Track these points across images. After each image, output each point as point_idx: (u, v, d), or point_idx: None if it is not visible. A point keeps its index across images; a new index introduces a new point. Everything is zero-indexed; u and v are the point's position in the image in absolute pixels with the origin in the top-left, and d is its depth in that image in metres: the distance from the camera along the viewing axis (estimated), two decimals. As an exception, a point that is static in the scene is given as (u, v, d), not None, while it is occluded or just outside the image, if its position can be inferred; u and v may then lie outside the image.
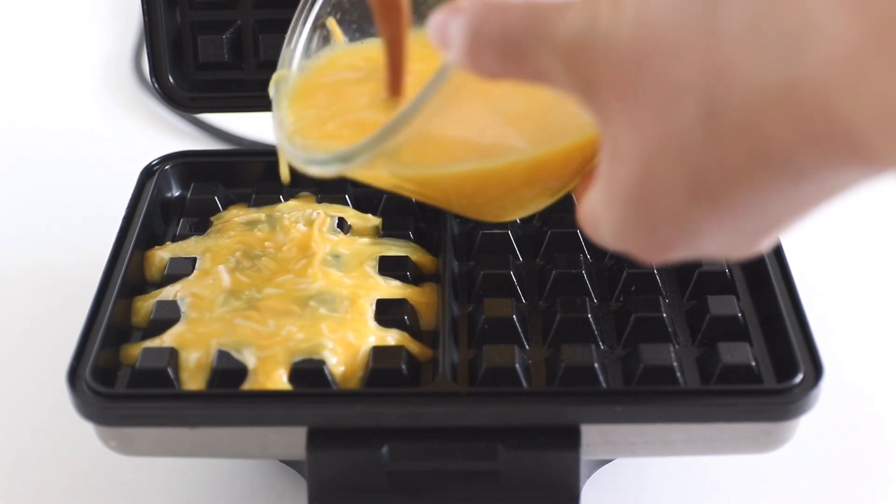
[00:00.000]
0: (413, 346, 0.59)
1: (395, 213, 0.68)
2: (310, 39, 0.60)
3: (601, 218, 0.42)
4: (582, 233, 0.45)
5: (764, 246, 0.41)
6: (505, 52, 0.40)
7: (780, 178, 0.36)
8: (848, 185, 0.36)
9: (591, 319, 0.59)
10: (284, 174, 0.59)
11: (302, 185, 0.71)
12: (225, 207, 0.69)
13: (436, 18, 0.42)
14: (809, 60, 0.32)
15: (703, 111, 0.35)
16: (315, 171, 0.51)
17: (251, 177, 0.71)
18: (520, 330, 0.59)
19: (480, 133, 0.49)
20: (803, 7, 0.32)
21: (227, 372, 0.56)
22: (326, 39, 0.61)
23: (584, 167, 0.51)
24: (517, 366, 0.56)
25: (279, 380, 0.56)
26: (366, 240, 0.66)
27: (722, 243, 0.40)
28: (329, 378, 0.56)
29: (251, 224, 0.66)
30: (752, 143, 0.35)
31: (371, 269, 0.63)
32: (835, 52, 0.31)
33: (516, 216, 0.59)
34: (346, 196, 0.69)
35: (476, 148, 0.50)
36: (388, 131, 0.45)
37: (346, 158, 0.48)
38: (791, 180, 0.36)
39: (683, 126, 0.36)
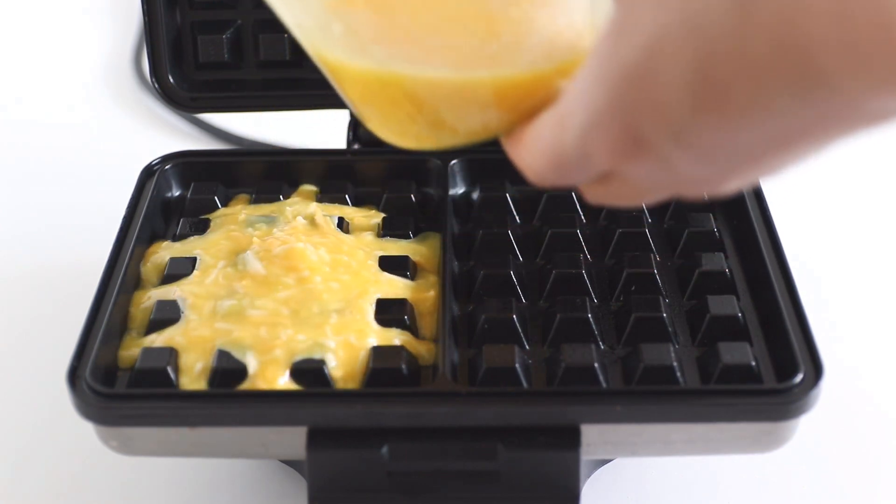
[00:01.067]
0: (413, 346, 0.59)
1: (396, 212, 0.68)
2: None
3: (574, 109, 0.37)
4: (513, 160, 0.43)
5: (748, 181, 0.36)
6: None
7: (806, 92, 0.31)
8: (880, 119, 0.32)
9: (591, 319, 0.59)
10: None
11: (303, 178, 0.71)
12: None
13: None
14: None
15: None
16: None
17: (251, 177, 0.71)
18: (520, 330, 0.59)
19: (451, 23, 0.44)
20: None
21: (227, 372, 0.56)
22: None
23: (531, 110, 0.45)
24: (517, 366, 0.56)
25: (279, 380, 0.56)
26: (367, 236, 0.66)
27: (705, 166, 0.35)
28: (329, 378, 0.56)
29: (251, 223, 0.66)
30: (787, 41, 0.30)
31: (371, 268, 0.63)
32: None
33: (435, 145, 0.51)
34: (346, 196, 0.69)
35: (443, 45, 0.44)
36: None
37: None
38: (819, 97, 0.31)
39: (711, 2, 0.32)
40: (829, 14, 0.29)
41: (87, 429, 0.56)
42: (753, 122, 0.33)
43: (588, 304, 0.60)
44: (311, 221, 0.65)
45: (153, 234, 0.67)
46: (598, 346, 0.59)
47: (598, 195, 0.43)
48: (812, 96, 0.31)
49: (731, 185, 0.37)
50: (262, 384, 0.56)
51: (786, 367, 0.56)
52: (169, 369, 0.56)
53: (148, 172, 0.70)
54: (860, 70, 0.29)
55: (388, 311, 0.60)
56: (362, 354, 0.57)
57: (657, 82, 0.34)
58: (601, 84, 0.36)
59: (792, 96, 0.31)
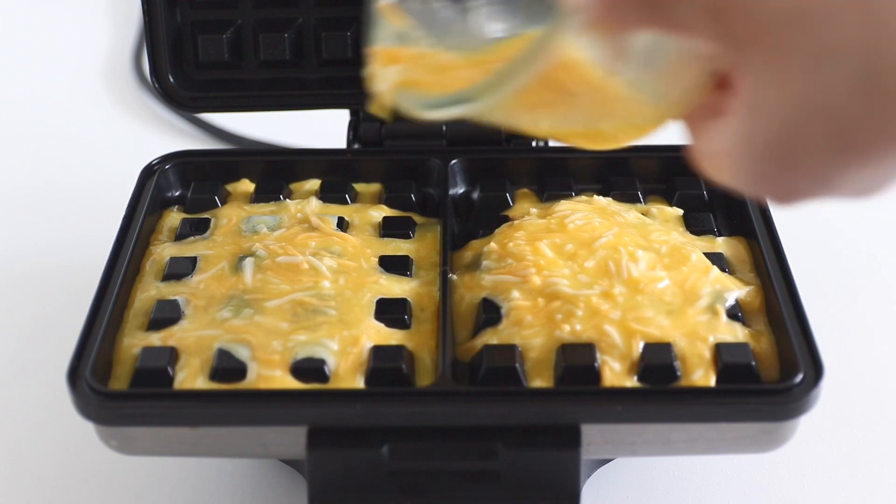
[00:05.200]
0: (413, 346, 0.59)
1: (396, 212, 0.68)
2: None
3: (734, 164, 0.42)
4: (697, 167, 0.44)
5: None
6: (648, 3, 0.40)
7: None
8: None
9: (591, 319, 0.59)
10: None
11: (303, 178, 0.71)
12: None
13: None
14: None
15: (861, 71, 0.36)
16: (433, 114, 0.49)
17: (251, 176, 0.71)
18: (520, 330, 0.59)
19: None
20: None
21: (228, 371, 0.56)
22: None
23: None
24: (517, 365, 0.56)
25: (279, 379, 0.56)
26: (367, 236, 0.66)
27: (858, 188, 0.41)
28: (329, 377, 0.56)
29: (252, 223, 0.66)
30: None
31: (371, 268, 0.63)
32: None
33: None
34: (346, 196, 0.69)
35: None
36: (513, 72, 0.44)
37: (466, 100, 0.47)
38: None
39: (836, 85, 0.37)
40: None
41: (88, 429, 0.56)
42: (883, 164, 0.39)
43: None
44: (310, 223, 0.65)
45: (153, 235, 0.68)
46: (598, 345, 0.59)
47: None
48: None
49: (890, 186, 0.42)
50: (263, 384, 0.56)
51: (786, 368, 0.56)
52: (169, 369, 0.56)
53: (148, 172, 0.70)
54: None
55: (389, 311, 0.60)
56: (362, 354, 0.57)
57: (803, 154, 0.39)
58: (751, 156, 0.41)
59: None
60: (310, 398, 0.55)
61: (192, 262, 0.64)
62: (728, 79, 0.42)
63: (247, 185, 0.71)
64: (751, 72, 0.40)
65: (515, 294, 0.59)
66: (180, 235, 0.67)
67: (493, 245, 0.63)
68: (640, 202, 0.68)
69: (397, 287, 0.62)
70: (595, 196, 0.67)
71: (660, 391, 0.55)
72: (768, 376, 0.56)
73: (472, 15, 0.55)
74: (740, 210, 0.66)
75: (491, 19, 0.55)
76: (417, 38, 0.55)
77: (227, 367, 0.56)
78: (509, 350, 0.57)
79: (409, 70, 0.53)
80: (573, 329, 0.57)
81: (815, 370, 0.54)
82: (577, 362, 0.56)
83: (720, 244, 0.65)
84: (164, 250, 0.65)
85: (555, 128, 0.52)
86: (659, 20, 0.40)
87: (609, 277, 0.60)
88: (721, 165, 0.43)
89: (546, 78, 0.44)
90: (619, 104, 0.46)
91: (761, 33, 0.38)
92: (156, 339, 0.59)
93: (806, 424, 0.55)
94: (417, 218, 0.68)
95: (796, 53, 0.37)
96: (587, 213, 0.65)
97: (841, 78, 0.37)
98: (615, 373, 0.55)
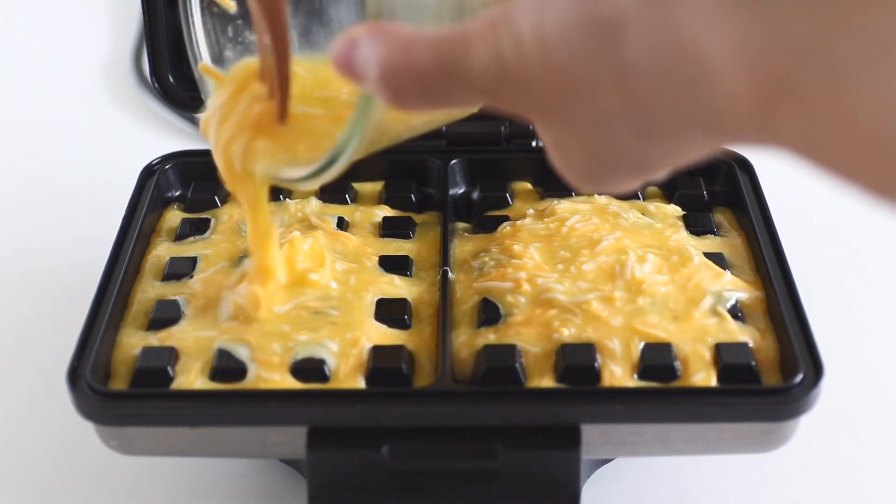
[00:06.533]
0: (413, 346, 0.59)
1: (396, 212, 0.68)
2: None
3: (567, 174, 0.45)
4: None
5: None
6: (425, 94, 0.42)
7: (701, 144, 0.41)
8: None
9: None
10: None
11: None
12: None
13: (338, 50, 0.43)
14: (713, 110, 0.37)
15: (632, 129, 0.39)
16: (308, 184, 0.53)
17: (251, 177, 0.71)
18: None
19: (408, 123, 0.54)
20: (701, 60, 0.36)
21: (228, 371, 0.56)
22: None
23: None
24: (517, 365, 0.56)
25: (279, 379, 0.56)
26: (367, 236, 0.66)
27: (671, 170, 0.43)
28: (329, 377, 0.56)
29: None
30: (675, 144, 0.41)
31: (371, 267, 0.63)
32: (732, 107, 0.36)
33: None
34: (346, 195, 0.69)
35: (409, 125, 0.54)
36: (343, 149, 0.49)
37: (323, 169, 0.51)
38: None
39: (619, 137, 0.40)
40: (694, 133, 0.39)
41: (88, 429, 0.56)
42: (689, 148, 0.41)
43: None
44: (310, 223, 0.65)
45: (153, 235, 0.67)
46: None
47: None
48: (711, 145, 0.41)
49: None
50: (262, 384, 0.56)
51: (786, 368, 0.56)
52: (169, 369, 0.56)
53: (148, 172, 0.70)
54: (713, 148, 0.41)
55: (389, 311, 0.60)
56: (362, 354, 0.57)
57: (613, 162, 0.42)
58: (573, 173, 0.44)
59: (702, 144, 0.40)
60: (310, 398, 0.55)
61: (193, 262, 0.64)
62: None
63: (247, 185, 0.71)
64: (544, 129, 0.43)
65: (510, 299, 0.59)
66: (180, 235, 0.67)
67: (491, 247, 0.63)
68: (639, 199, 0.68)
69: (397, 287, 0.62)
70: (595, 195, 0.68)
71: (660, 391, 0.55)
72: (768, 376, 0.56)
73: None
74: (739, 207, 0.67)
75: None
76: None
77: (227, 366, 0.56)
78: (509, 350, 0.57)
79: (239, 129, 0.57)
80: (572, 333, 0.57)
81: (815, 370, 0.54)
82: (577, 362, 0.56)
83: (720, 244, 0.65)
84: (164, 250, 0.65)
85: (432, 126, 0.57)
86: (441, 103, 0.43)
87: (609, 281, 0.60)
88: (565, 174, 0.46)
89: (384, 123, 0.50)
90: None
91: (538, 107, 0.41)
92: (156, 339, 0.59)
93: (806, 424, 0.55)
94: (417, 218, 0.68)
95: (576, 118, 0.40)
96: (587, 214, 0.65)
97: (620, 133, 0.40)
98: (615, 373, 0.55)
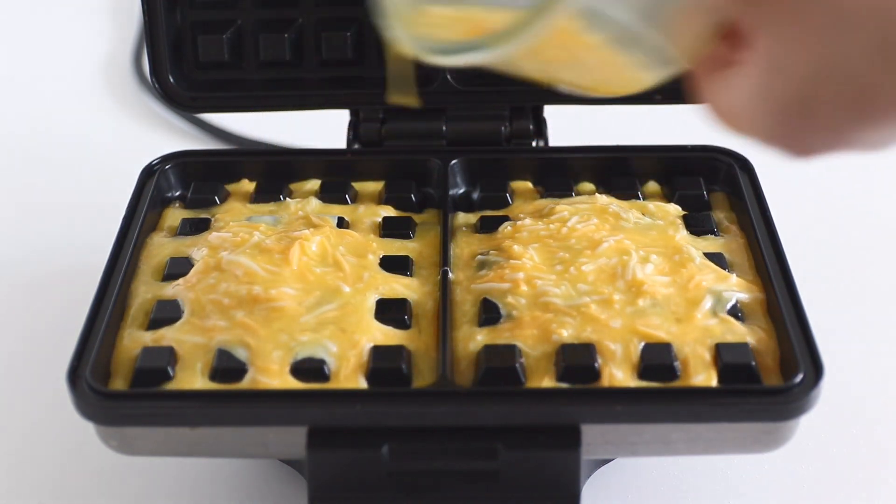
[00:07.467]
0: (413, 346, 0.59)
1: (396, 212, 0.68)
2: None
3: (752, 118, 0.42)
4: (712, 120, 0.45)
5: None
6: None
7: None
8: None
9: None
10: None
11: (303, 178, 0.71)
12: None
13: None
14: None
15: (878, 38, 0.37)
16: (448, 60, 0.49)
17: (251, 176, 0.71)
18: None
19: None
20: None
21: (227, 371, 0.56)
22: None
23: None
24: (517, 365, 0.56)
25: (279, 379, 0.56)
26: (367, 236, 0.66)
27: (873, 143, 0.41)
28: (329, 377, 0.56)
29: (252, 224, 0.66)
30: None
31: (372, 267, 0.63)
32: None
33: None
34: (346, 195, 0.69)
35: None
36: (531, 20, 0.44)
37: (478, 48, 0.46)
38: None
39: (855, 50, 0.37)
40: None
41: (88, 429, 0.56)
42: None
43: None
44: (310, 223, 0.65)
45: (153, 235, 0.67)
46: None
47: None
48: None
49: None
50: (262, 384, 0.56)
51: (786, 368, 0.56)
52: (169, 369, 0.56)
53: (148, 172, 0.70)
54: None
55: (389, 311, 0.60)
56: (362, 354, 0.57)
57: (822, 115, 0.40)
58: (771, 115, 0.41)
59: None
60: (310, 398, 0.55)
61: (193, 262, 0.64)
62: (737, 30, 0.42)
63: (247, 185, 0.71)
64: (770, 31, 0.40)
65: (510, 299, 0.59)
66: (180, 235, 0.67)
67: (491, 248, 0.63)
68: (639, 199, 0.68)
69: (397, 287, 0.62)
70: (595, 195, 0.68)
71: (660, 391, 0.55)
72: (768, 376, 0.56)
73: None
74: (739, 207, 0.67)
75: None
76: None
77: (227, 366, 0.56)
78: (509, 350, 0.57)
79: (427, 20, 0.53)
80: (572, 333, 0.57)
81: (815, 370, 0.54)
82: (577, 362, 0.56)
83: (720, 244, 0.65)
84: (164, 250, 0.65)
85: (565, 80, 0.52)
86: None
87: (609, 283, 0.60)
88: (738, 119, 0.43)
89: (552, 38, 0.44)
90: (623, 63, 0.47)
91: (783, 3, 0.39)
92: (155, 338, 0.59)
93: (806, 424, 0.55)
94: (418, 218, 0.68)
95: (816, 16, 0.38)
96: (587, 214, 0.65)
97: (859, 43, 0.37)
98: (615, 373, 0.55)
